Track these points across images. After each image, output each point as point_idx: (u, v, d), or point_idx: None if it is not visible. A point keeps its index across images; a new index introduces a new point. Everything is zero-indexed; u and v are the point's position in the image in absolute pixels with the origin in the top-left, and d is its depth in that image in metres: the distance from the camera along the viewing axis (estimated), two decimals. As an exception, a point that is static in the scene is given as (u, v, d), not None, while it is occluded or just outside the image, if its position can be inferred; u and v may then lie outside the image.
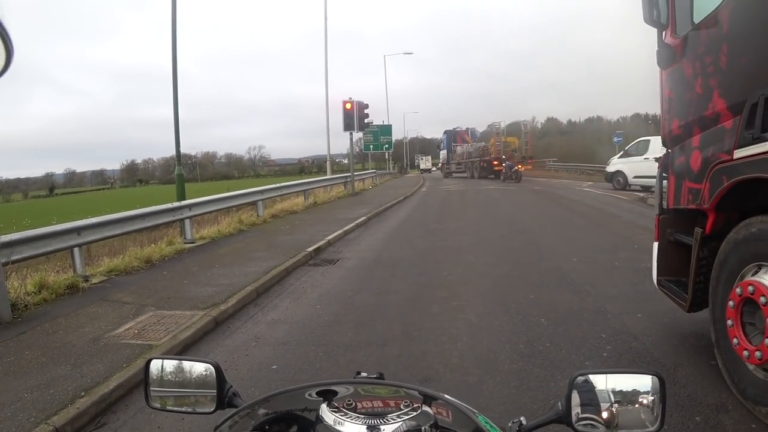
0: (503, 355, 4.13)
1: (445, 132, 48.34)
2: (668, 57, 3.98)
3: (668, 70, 4.09)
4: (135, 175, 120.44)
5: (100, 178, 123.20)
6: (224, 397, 1.15)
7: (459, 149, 42.68)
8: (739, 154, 3.07)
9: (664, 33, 3.97)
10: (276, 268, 7.48)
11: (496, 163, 32.39)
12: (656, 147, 17.19)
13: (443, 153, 48.29)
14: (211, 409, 1.16)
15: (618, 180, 21.07)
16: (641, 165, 18.78)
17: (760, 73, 2.88)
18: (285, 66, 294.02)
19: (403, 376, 3.80)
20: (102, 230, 7.77)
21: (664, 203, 4.26)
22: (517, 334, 4.60)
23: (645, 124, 51.65)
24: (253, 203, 13.92)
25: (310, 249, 8.96)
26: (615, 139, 33.19)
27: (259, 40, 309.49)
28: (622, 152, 21.89)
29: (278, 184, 15.90)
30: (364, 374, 1.09)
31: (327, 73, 24.59)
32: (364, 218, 13.33)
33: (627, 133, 38.94)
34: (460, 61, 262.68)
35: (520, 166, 29.64)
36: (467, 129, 47.07)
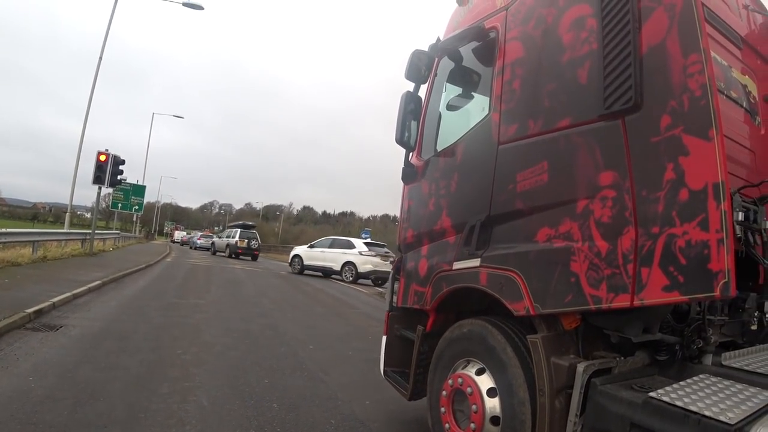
0: (233, 443, 3.93)
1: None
2: (411, 175, 4.56)
3: (409, 185, 4.72)
4: None
5: None
6: None
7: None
8: (457, 266, 3.69)
9: (411, 154, 4.59)
10: (-17, 329, 5.93)
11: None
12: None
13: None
14: None
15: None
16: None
17: (478, 202, 3.59)
18: (40, 90, 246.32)
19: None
20: None
21: (394, 301, 4.72)
22: (248, 418, 4.44)
23: (392, 224, 57.87)
24: (-34, 249, 11.11)
25: (30, 310, 7.38)
26: (363, 235, 35.75)
27: (13, 49, 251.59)
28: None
29: (2, 230, 13.34)
30: None
31: (89, 111, 20.84)
32: (98, 282, 11.65)
33: (374, 231, 42.71)
34: (235, 132, 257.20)
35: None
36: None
